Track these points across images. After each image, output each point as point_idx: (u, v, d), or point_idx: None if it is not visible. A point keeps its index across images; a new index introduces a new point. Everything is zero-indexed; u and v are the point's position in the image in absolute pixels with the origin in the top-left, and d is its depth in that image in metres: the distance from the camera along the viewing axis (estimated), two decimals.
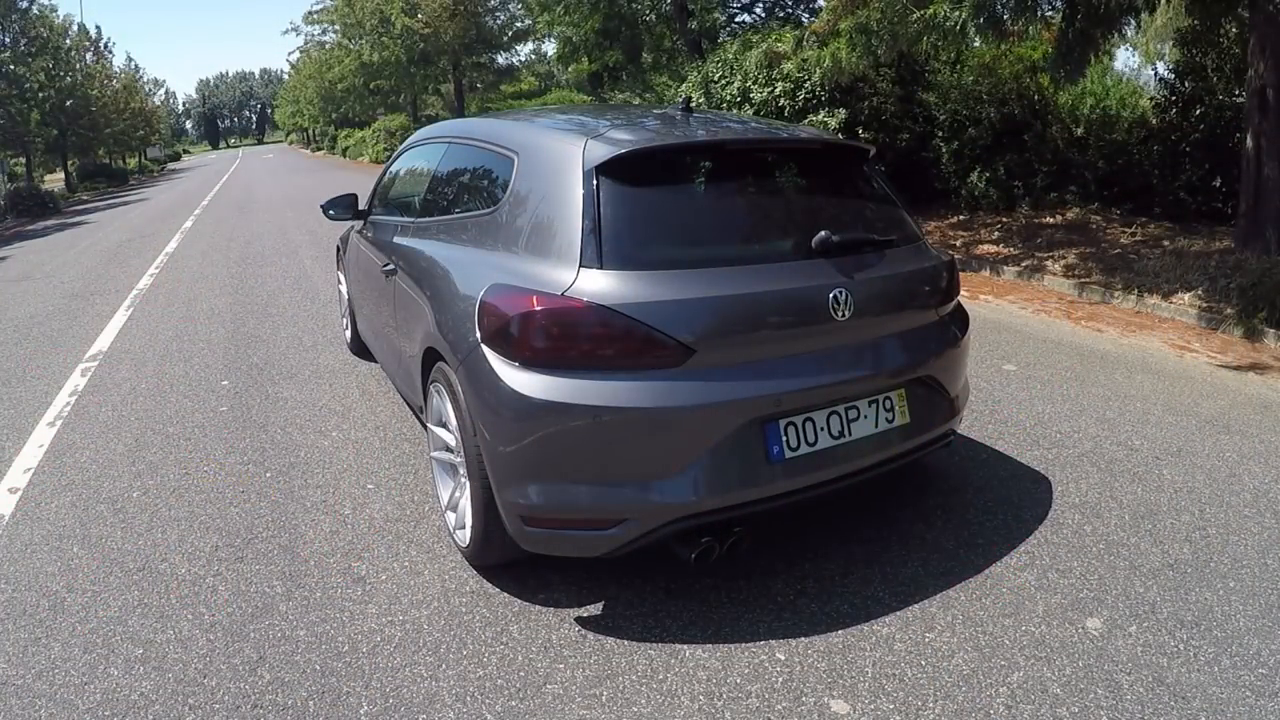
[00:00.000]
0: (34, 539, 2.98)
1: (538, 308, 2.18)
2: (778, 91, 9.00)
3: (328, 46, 31.90)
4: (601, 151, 2.33)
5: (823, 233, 2.34)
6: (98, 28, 61.16)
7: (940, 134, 9.02)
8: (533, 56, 37.36)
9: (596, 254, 2.19)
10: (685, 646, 2.21)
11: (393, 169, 4.17)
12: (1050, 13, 6.55)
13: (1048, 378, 4.25)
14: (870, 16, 7.07)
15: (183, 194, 23.17)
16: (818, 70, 8.36)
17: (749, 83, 9.31)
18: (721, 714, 1.96)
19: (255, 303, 6.84)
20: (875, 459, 2.41)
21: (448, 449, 2.68)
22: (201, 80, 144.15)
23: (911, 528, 2.77)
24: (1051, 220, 8.17)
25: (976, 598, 2.38)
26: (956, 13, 6.18)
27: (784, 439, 2.23)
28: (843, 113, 8.63)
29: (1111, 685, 2.02)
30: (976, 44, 8.28)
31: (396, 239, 3.44)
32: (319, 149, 47.49)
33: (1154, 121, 8.33)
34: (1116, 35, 6.82)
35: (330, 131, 41.81)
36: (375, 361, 4.52)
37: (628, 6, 17.32)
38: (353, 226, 4.55)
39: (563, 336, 2.16)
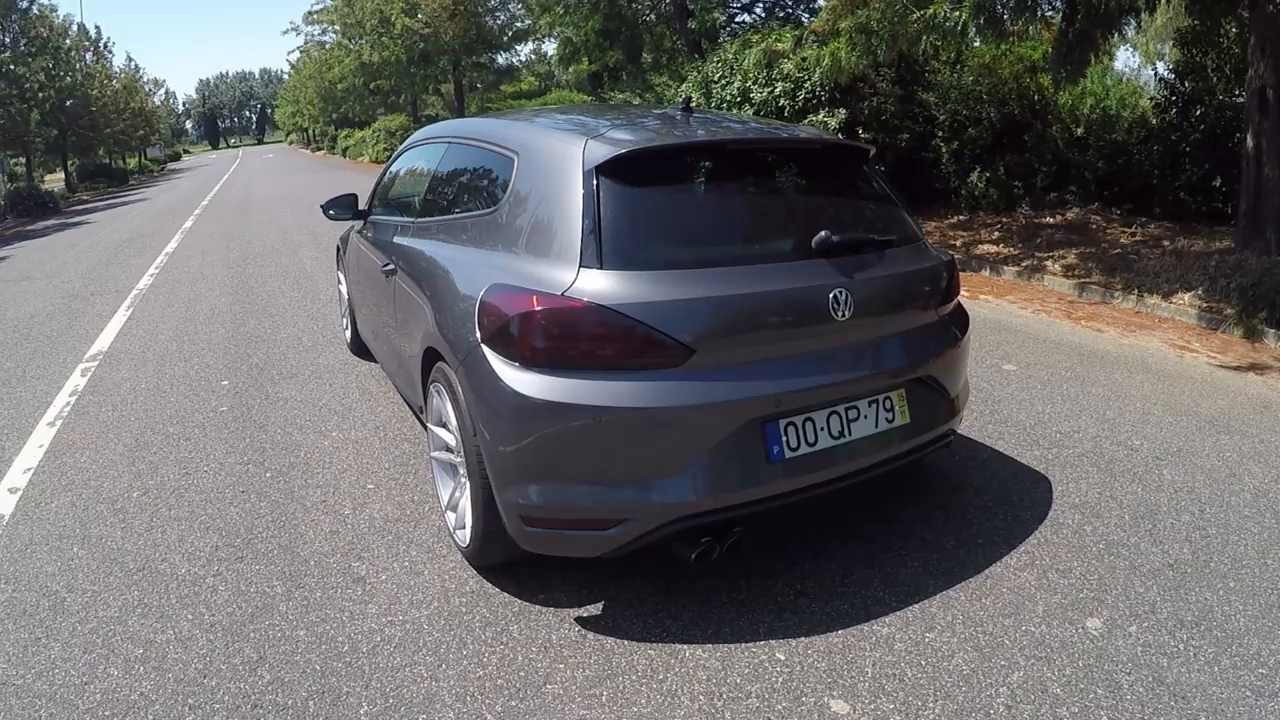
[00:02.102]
0: (34, 539, 2.98)
1: (538, 308, 2.18)
2: (778, 91, 9.00)
3: (328, 46, 31.90)
4: (602, 151, 2.33)
5: (823, 233, 2.34)
6: (97, 28, 61.38)
7: (940, 134, 9.01)
8: (533, 56, 37.42)
9: (596, 254, 2.19)
10: (685, 646, 2.21)
11: (393, 169, 4.17)
12: (1050, 13, 6.56)
13: (1048, 378, 4.25)
14: (870, 16, 7.08)
15: (183, 194, 23.18)
16: (817, 70, 8.37)
17: (749, 83, 9.31)
18: (721, 714, 1.96)
19: (255, 303, 6.84)
20: (875, 459, 2.41)
21: (448, 449, 2.68)
22: (201, 80, 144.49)
23: (912, 528, 2.77)
24: (1051, 220, 8.17)
25: (976, 598, 2.38)
26: (956, 13, 6.19)
27: (784, 439, 2.23)
28: (843, 113, 8.63)
29: (1111, 685, 2.02)
30: (976, 44, 8.30)
31: (396, 239, 3.44)
32: (319, 149, 47.48)
33: (1154, 121, 8.33)
34: (1116, 35, 6.83)
35: (330, 131, 41.81)
36: (375, 361, 4.52)
37: (628, 7, 17.32)
38: (353, 226, 4.55)
39: (563, 336, 2.16)
